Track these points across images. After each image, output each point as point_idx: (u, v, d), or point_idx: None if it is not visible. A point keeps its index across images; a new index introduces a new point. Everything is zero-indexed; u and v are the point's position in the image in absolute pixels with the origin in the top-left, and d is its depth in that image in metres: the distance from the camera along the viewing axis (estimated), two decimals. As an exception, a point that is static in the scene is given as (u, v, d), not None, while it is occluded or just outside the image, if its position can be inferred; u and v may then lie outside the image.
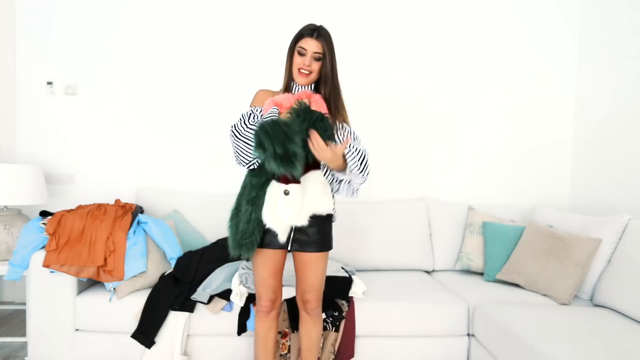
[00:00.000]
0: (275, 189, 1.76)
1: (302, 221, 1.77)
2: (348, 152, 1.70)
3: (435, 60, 3.23)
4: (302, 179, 1.76)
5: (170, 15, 3.10)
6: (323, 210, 1.81)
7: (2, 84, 3.02)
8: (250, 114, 1.79)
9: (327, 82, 1.83)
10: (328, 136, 1.74)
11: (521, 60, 3.25)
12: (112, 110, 3.10)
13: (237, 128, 1.77)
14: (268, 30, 3.12)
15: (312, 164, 1.78)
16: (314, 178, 1.80)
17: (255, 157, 1.76)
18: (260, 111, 1.80)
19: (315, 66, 1.80)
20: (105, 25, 3.07)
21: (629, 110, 2.76)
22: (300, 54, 1.78)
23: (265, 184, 1.76)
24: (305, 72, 1.79)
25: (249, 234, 1.73)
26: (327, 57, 1.79)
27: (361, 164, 1.71)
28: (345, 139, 1.81)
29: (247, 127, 1.75)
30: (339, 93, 1.87)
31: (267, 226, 1.75)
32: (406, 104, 3.23)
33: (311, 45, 1.76)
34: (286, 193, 1.74)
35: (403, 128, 3.23)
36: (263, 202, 1.75)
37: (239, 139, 1.76)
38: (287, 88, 1.87)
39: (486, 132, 3.27)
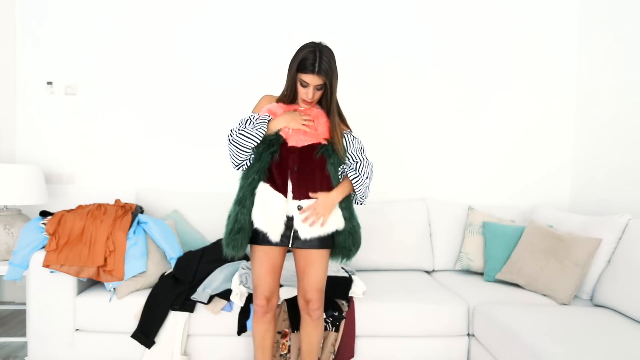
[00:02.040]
0: (265, 190, 1.80)
1: (319, 232, 1.81)
2: (355, 181, 1.87)
3: (435, 61, 3.22)
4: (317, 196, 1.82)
5: (171, 15, 3.10)
6: (338, 227, 1.86)
7: (2, 84, 3.02)
8: (247, 120, 1.85)
9: (327, 98, 1.86)
10: (338, 161, 1.86)
11: (522, 60, 3.25)
12: (112, 110, 3.10)
13: (232, 131, 1.84)
14: (268, 33, 3.12)
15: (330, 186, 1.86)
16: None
17: (244, 159, 1.84)
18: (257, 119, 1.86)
19: (317, 96, 1.85)
20: (105, 26, 3.07)
21: (630, 111, 2.75)
22: (303, 86, 1.82)
23: (252, 184, 1.80)
24: (308, 101, 1.85)
25: (234, 232, 1.78)
26: (328, 83, 1.82)
27: (367, 187, 1.91)
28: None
29: (239, 132, 1.81)
30: (338, 105, 1.91)
31: (256, 226, 1.78)
32: (406, 104, 3.23)
33: (312, 80, 1.79)
34: (299, 208, 1.79)
35: (403, 128, 3.23)
36: (251, 204, 1.79)
37: (232, 143, 1.82)
38: (292, 101, 1.90)
39: (486, 132, 3.27)
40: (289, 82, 1.85)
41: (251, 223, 1.79)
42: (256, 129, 1.81)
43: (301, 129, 1.82)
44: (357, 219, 1.92)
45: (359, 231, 1.91)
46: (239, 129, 1.82)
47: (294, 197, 1.80)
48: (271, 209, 1.78)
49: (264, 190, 1.80)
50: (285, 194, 1.80)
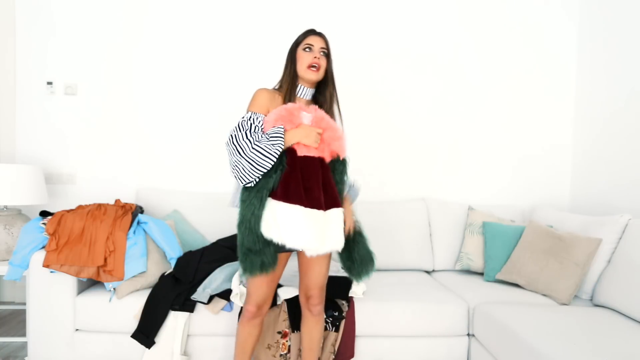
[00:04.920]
0: (289, 210, 1.66)
1: (342, 245, 1.78)
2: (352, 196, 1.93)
3: (436, 61, 3.23)
4: (335, 210, 1.76)
5: (170, 16, 3.10)
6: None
7: (2, 84, 3.02)
8: (251, 124, 1.72)
9: (327, 83, 1.84)
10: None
11: (522, 60, 3.25)
12: (112, 111, 3.10)
13: (239, 142, 1.68)
14: (266, 29, 3.13)
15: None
16: (339, 213, 1.78)
17: (258, 177, 1.68)
18: (261, 122, 1.74)
19: (323, 62, 1.81)
20: (105, 26, 3.07)
21: (629, 110, 2.76)
22: (308, 50, 1.79)
23: (260, 202, 1.68)
24: (315, 66, 1.78)
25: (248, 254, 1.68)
26: (330, 56, 1.83)
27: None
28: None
29: (253, 148, 1.66)
30: (337, 96, 1.90)
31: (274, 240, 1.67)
32: (406, 104, 3.23)
33: (317, 41, 1.79)
34: None
35: (403, 128, 3.23)
36: (258, 222, 1.67)
37: (242, 156, 1.66)
38: (292, 89, 1.82)
39: (486, 132, 3.27)
40: (291, 69, 1.81)
41: (264, 241, 1.65)
42: (275, 147, 1.66)
43: (313, 146, 1.73)
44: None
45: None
46: (252, 143, 1.67)
47: (311, 206, 1.69)
48: (308, 226, 1.65)
49: (286, 210, 1.66)
50: (319, 206, 1.68)
